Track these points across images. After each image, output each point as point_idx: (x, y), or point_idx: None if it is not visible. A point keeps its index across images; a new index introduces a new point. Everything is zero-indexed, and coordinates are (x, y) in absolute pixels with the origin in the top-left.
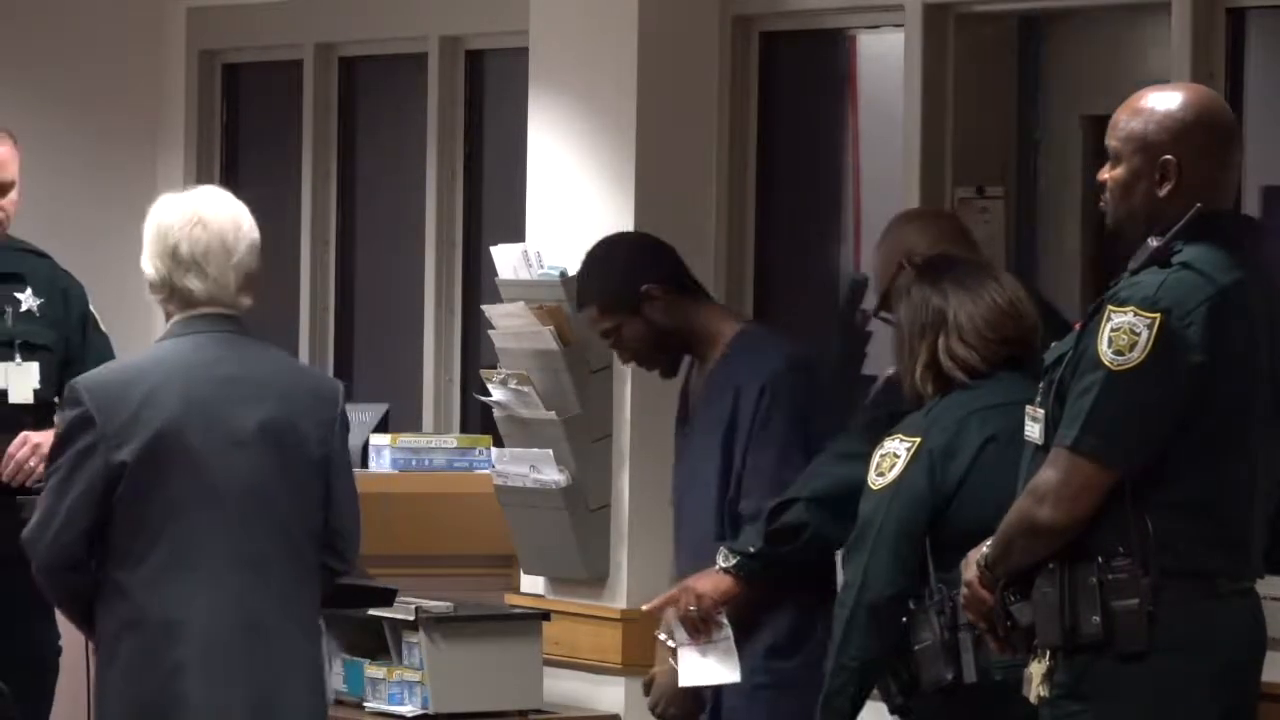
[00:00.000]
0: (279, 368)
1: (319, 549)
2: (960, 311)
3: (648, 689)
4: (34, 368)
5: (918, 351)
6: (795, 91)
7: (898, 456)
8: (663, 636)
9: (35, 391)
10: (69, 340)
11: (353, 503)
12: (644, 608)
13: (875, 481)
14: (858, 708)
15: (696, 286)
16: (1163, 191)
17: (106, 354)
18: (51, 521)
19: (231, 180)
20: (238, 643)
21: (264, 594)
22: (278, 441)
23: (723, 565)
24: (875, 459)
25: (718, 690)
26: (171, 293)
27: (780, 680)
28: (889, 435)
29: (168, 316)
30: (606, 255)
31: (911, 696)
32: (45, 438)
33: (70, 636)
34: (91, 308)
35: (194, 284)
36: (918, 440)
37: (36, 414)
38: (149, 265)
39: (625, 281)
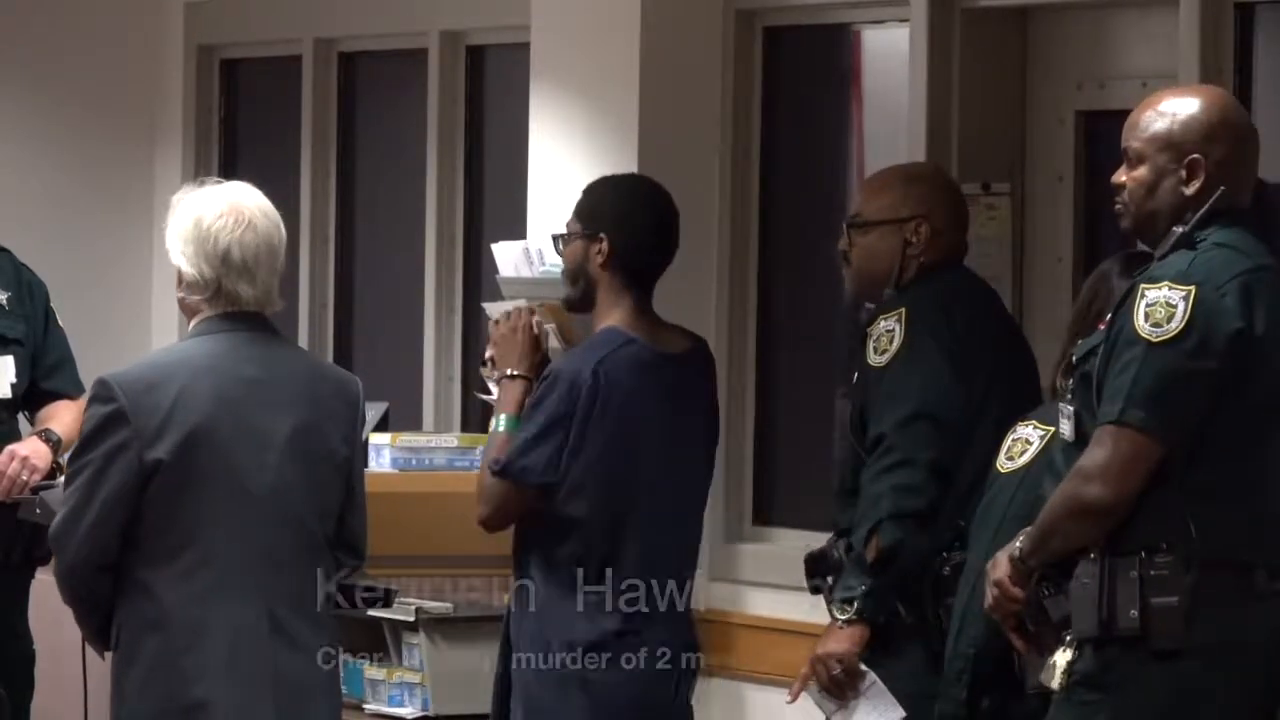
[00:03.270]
0: (305, 368)
1: (334, 548)
2: None
3: None
4: (9, 361)
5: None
6: (799, 87)
7: (1030, 443)
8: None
9: (11, 385)
10: (35, 333)
11: (365, 500)
12: (787, 701)
13: (1004, 465)
14: (975, 698)
15: (638, 284)
16: (1190, 190)
17: (67, 349)
18: (81, 518)
19: (230, 177)
20: (263, 646)
21: (288, 597)
22: (306, 445)
23: (843, 618)
24: (1007, 443)
25: None
26: (216, 294)
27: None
28: (1023, 421)
29: (189, 311)
30: (628, 187)
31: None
32: (31, 448)
33: (68, 636)
34: (51, 302)
35: (244, 289)
36: (1051, 429)
37: (13, 408)
38: (192, 267)
39: (600, 211)
